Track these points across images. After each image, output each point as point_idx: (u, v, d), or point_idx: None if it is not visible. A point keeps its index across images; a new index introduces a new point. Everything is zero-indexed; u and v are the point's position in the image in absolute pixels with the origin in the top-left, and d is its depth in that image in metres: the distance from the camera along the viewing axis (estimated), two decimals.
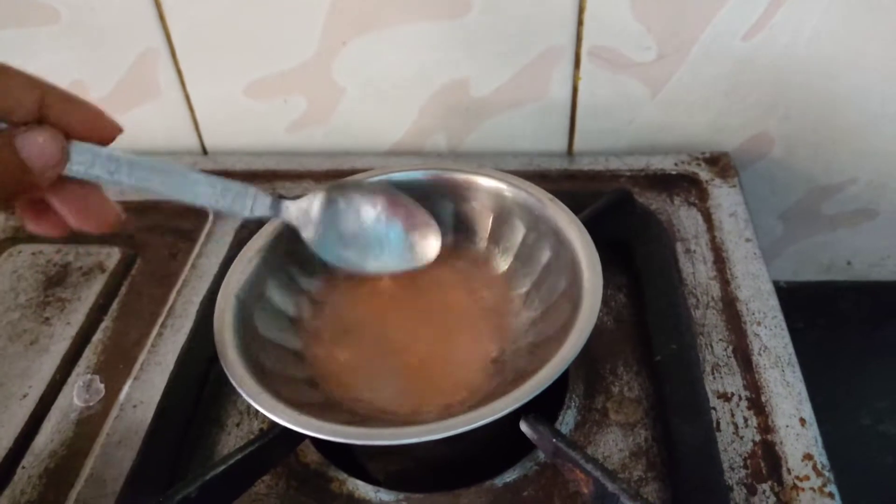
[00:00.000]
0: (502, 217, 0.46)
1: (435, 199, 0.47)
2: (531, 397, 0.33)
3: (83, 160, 0.29)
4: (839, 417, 0.48)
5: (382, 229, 0.42)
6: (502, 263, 0.46)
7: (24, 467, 0.42)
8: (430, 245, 0.43)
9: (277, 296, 0.43)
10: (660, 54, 0.57)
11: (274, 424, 0.36)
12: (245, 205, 0.37)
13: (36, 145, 0.27)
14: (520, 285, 0.44)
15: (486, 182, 0.46)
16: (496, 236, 0.46)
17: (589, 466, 0.35)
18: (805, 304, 0.71)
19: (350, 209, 0.42)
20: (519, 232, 0.45)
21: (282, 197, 0.39)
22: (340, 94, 0.61)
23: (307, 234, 0.40)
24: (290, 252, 0.43)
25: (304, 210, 0.40)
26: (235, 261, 0.42)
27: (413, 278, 0.46)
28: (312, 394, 0.39)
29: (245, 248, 0.43)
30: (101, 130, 0.29)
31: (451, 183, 0.47)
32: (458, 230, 0.47)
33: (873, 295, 0.72)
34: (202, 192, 0.35)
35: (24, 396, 0.46)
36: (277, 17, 0.57)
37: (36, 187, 0.28)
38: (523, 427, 0.38)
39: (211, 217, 0.58)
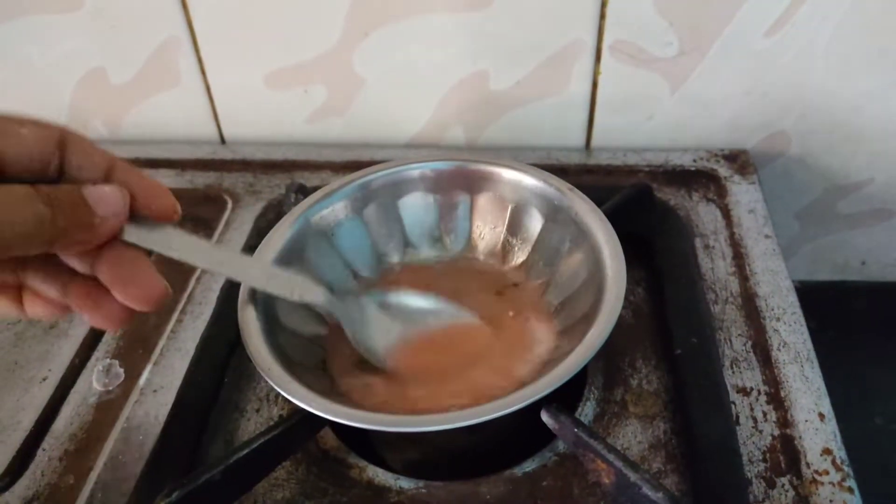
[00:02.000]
0: (520, 207, 0.46)
1: (453, 190, 0.47)
2: (561, 383, 0.33)
3: (141, 227, 0.30)
4: (852, 417, 0.48)
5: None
6: (521, 254, 0.46)
7: (44, 449, 0.43)
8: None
9: None
10: (681, 50, 0.57)
11: (295, 410, 0.36)
12: (292, 291, 0.38)
13: (102, 192, 0.29)
14: (539, 275, 0.45)
15: (504, 172, 0.46)
16: (514, 227, 0.46)
17: (611, 456, 0.35)
18: (819, 304, 0.70)
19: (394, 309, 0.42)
20: (537, 222, 0.45)
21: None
22: (360, 85, 0.61)
23: (349, 330, 0.40)
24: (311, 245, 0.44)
25: (349, 309, 0.40)
26: (256, 252, 0.42)
27: (434, 273, 0.46)
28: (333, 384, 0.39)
29: (265, 240, 0.43)
30: (161, 204, 0.31)
31: (469, 174, 0.47)
32: (476, 221, 0.48)
33: (887, 295, 0.72)
34: (252, 276, 0.37)
35: (44, 380, 0.47)
36: (300, 6, 0.57)
37: (96, 233, 0.29)
38: (544, 417, 0.38)
39: (230, 205, 0.58)
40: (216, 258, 0.35)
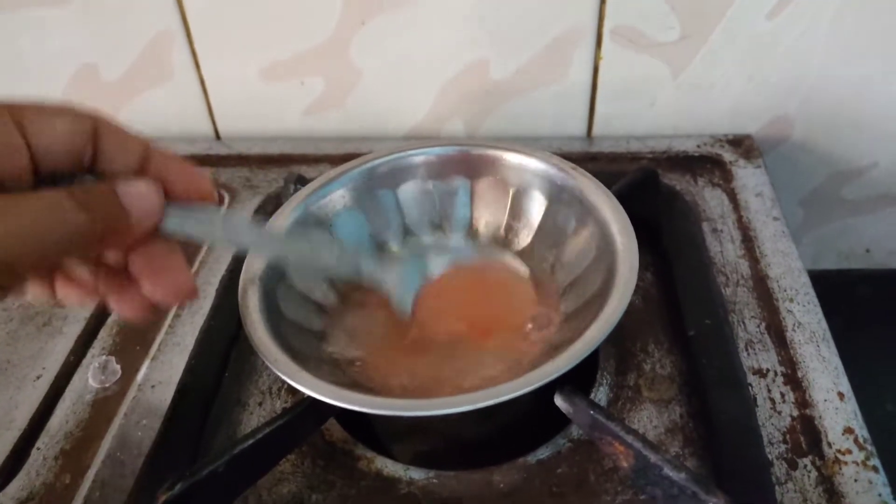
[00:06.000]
0: (522, 190, 0.45)
1: (452, 175, 0.47)
2: (582, 358, 0.32)
3: (178, 215, 0.29)
4: (862, 404, 0.47)
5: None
6: (525, 237, 0.45)
7: (38, 448, 0.41)
8: None
9: (298, 278, 0.41)
10: (683, 34, 0.56)
11: (299, 401, 0.35)
12: (330, 260, 0.37)
13: (137, 192, 0.27)
14: (545, 257, 0.44)
15: (504, 156, 0.46)
16: (516, 211, 0.45)
17: (629, 438, 0.34)
18: (824, 292, 0.70)
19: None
20: (541, 204, 0.45)
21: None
22: (358, 77, 0.60)
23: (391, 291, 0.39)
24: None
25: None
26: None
27: None
28: (340, 375, 0.38)
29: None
30: (198, 189, 0.30)
31: (468, 158, 0.46)
32: (477, 207, 0.47)
33: (892, 283, 0.71)
34: (292, 250, 0.37)
35: (38, 378, 0.45)
36: None
37: (129, 234, 0.28)
38: (558, 401, 0.37)
39: (227, 200, 0.57)
40: (252, 236, 0.34)
